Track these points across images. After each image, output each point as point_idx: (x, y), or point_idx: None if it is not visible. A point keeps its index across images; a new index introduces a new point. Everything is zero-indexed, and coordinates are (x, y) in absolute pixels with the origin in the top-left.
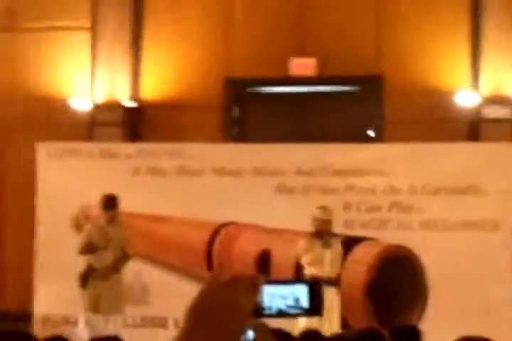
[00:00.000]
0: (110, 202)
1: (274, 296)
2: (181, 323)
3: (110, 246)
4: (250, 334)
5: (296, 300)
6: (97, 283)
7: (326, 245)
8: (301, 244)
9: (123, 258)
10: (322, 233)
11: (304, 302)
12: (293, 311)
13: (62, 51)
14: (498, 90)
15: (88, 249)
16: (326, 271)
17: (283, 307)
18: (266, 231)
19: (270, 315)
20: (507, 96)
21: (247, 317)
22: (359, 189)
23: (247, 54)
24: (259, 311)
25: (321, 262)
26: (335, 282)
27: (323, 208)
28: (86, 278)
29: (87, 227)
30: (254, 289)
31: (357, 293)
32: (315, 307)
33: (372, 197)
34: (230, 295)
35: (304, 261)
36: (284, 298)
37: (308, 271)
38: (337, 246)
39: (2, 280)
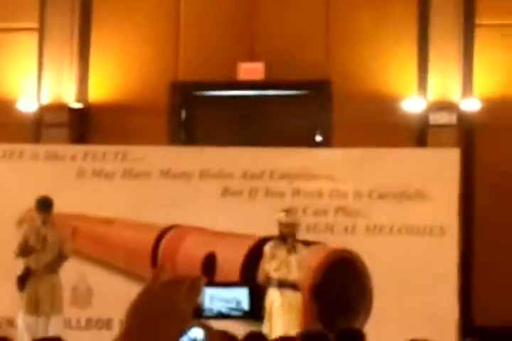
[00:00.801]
0: (45, 204)
1: (215, 298)
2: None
3: (46, 247)
4: (200, 334)
5: (237, 302)
6: (34, 285)
7: (291, 249)
8: (266, 250)
9: (59, 258)
10: (286, 237)
11: (245, 305)
12: (233, 313)
13: (9, 52)
14: (444, 96)
15: (24, 250)
16: (293, 275)
17: (223, 309)
18: (212, 235)
19: (210, 317)
20: (453, 102)
21: (187, 319)
22: (306, 193)
23: (195, 58)
24: (199, 312)
25: (287, 267)
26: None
27: (287, 211)
28: (23, 280)
29: (23, 229)
30: (195, 290)
31: (304, 297)
32: (255, 310)
33: (318, 201)
34: (170, 295)
35: (270, 267)
36: (225, 300)
37: (275, 275)
38: (302, 250)
39: None
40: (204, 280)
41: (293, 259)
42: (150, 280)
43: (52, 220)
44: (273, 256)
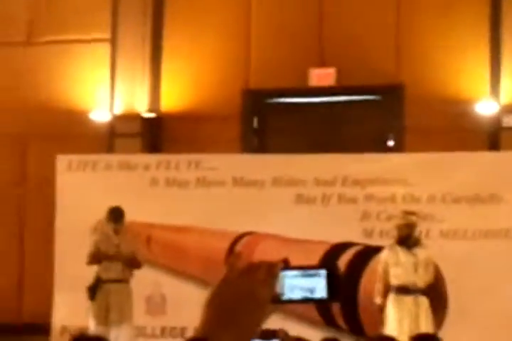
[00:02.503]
0: (116, 214)
1: (293, 282)
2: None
3: (118, 257)
4: None
5: (315, 286)
6: (105, 294)
7: (411, 252)
8: (385, 255)
9: (131, 268)
10: (405, 238)
11: (322, 289)
12: (312, 297)
13: (82, 63)
14: None
15: (96, 258)
16: (415, 280)
17: (301, 293)
18: (285, 241)
19: (289, 301)
20: None
21: (265, 305)
22: (378, 198)
23: (266, 65)
24: (277, 298)
25: (407, 271)
26: (425, 291)
27: (405, 212)
28: (94, 289)
29: (94, 237)
30: (272, 276)
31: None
32: (333, 293)
33: (391, 206)
34: (247, 282)
35: (392, 273)
36: (303, 284)
37: (396, 282)
38: (423, 252)
39: (20, 292)
40: (280, 265)
41: (414, 261)
42: (227, 269)
43: (124, 230)
44: (393, 262)
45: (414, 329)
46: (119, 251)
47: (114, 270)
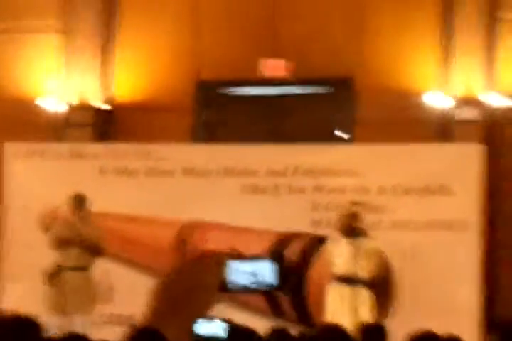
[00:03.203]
0: (80, 201)
1: (239, 272)
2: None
3: (79, 243)
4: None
5: (261, 275)
6: (63, 283)
7: (354, 242)
8: (329, 245)
9: (94, 255)
10: (347, 229)
11: (268, 278)
12: (257, 286)
13: (34, 52)
14: (468, 91)
15: (60, 243)
16: (355, 270)
17: (247, 282)
18: (233, 230)
19: (235, 290)
20: (477, 97)
21: (212, 293)
22: (328, 189)
23: (218, 56)
24: (225, 286)
25: (348, 261)
26: (368, 282)
27: (353, 203)
28: (53, 276)
29: (59, 222)
30: (220, 265)
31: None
32: (278, 283)
33: (341, 197)
34: (195, 272)
35: (334, 263)
36: (249, 273)
37: (337, 271)
38: (367, 242)
39: None
40: (227, 255)
41: (357, 252)
42: (177, 258)
43: (87, 216)
44: (336, 253)
45: (352, 320)
46: (82, 238)
47: (74, 257)
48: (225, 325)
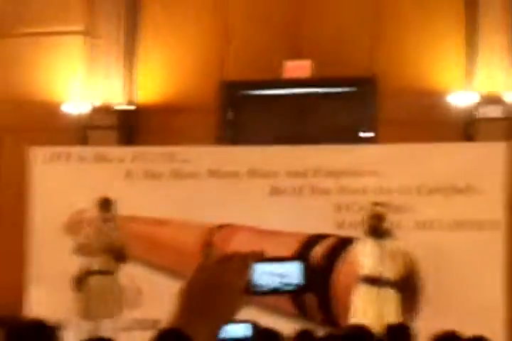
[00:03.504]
0: (107, 204)
1: (267, 274)
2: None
3: (106, 249)
4: (248, 332)
5: (288, 277)
6: (90, 287)
7: (379, 243)
8: (355, 247)
9: (119, 260)
10: (373, 229)
11: (296, 279)
12: (285, 288)
13: (57, 55)
14: (492, 90)
15: (85, 250)
16: (381, 270)
17: (275, 284)
18: (260, 233)
19: (263, 293)
20: (501, 95)
21: (239, 295)
22: (351, 190)
23: (242, 57)
24: (251, 289)
25: (374, 262)
26: (395, 283)
27: (376, 203)
28: (80, 281)
29: (86, 229)
30: (246, 267)
31: (350, 295)
32: (307, 284)
33: (363, 197)
34: (221, 272)
35: (361, 264)
36: (277, 275)
37: (364, 272)
38: (392, 243)
39: None
40: (254, 256)
41: (384, 253)
42: (202, 259)
43: (114, 221)
44: (364, 253)
45: (378, 321)
46: (109, 242)
47: (101, 262)
48: (250, 327)
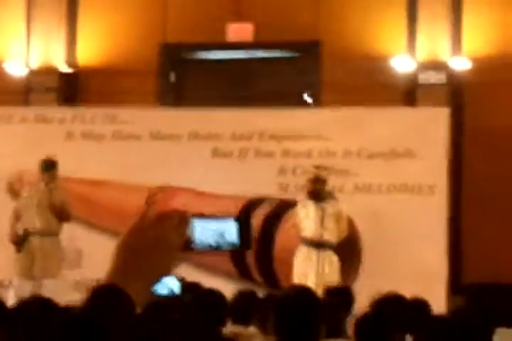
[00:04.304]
0: (48, 165)
1: (204, 230)
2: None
3: (46, 209)
4: (176, 286)
5: (226, 234)
6: (31, 247)
7: (320, 206)
8: (297, 209)
9: (62, 220)
10: (314, 193)
11: (234, 237)
12: (222, 245)
13: None
14: (433, 56)
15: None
16: (322, 233)
17: (213, 241)
18: (201, 196)
19: (200, 249)
20: (442, 61)
21: (176, 252)
22: (295, 153)
23: (184, 20)
24: (189, 245)
25: (318, 225)
26: (336, 246)
27: (317, 167)
28: (21, 242)
29: (27, 188)
30: (183, 224)
31: (292, 256)
32: (244, 242)
33: (307, 161)
34: (158, 230)
35: (302, 226)
36: (214, 232)
37: (305, 235)
38: (333, 206)
39: None
40: (191, 214)
41: (324, 216)
42: (138, 217)
43: (55, 181)
44: (303, 215)
45: (319, 282)
46: (49, 203)
47: (41, 222)
48: (177, 283)
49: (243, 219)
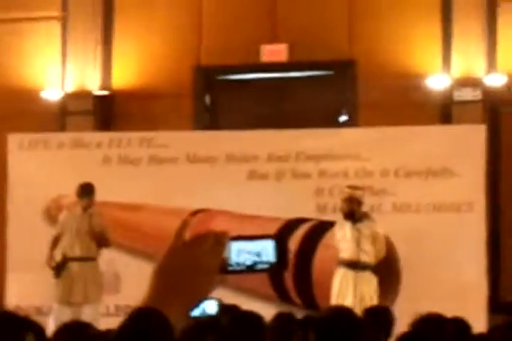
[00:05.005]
0: (86, 190)
1: (241, 252)
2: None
3: (85, 235)
4: (214, 308)
5: (263, 254)
6: (70, 273)
7: (358, 227)
8: (334, 230)
9: (101, 245)
10: (349, 213)
11: (271, 257)
12: (260, 266)
13: (32, 42)
14: (468, 73)
15: (55, 243)
16: (358, 254)
17: (250, 262)
18: (239, 218)
19: (238, 271)
20: (478, 78)
21: (213, 274)
22: (331, 173)
23: (218, 41)
24: (226, 267)
25: (355, 247)
26: (374, 267)
27: (351, 187)
28: (60, 268)
29: (62, 217)
30: (220, 246)
31: (330, 278)
32: (281, 261)
33: (344, 181)
34: (195, 252)
35: (340, 248)
36: (251, 253)
37: (342, 256)
38: (369, 227)
39: None
40: (228, 235)
41: (360, 237)
42: (174, 240)
43: (94, 207)
44: (340, 236)
45: (357, 304)
46: (88, 228)
47: (80, 247)
48: (217, 304)
49: (280, 239)
